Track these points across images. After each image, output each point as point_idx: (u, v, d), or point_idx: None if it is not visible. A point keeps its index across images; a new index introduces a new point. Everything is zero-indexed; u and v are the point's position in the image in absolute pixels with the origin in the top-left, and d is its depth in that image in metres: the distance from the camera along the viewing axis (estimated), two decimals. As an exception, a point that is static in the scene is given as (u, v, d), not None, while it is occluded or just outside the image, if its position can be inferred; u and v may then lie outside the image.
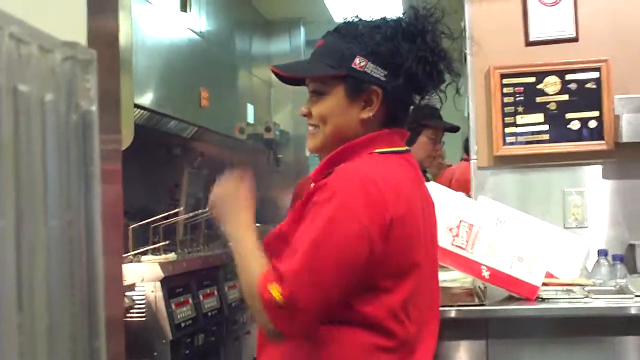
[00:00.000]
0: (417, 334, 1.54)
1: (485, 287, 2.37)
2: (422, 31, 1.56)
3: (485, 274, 2.30)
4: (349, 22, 1.61)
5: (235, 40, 5.43)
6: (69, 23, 1.06)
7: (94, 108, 1.12)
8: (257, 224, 1.57)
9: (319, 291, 1.39)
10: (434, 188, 2.45)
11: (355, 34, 1.56)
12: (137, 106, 3.58)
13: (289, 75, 1.63)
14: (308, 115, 1.60)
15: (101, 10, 1.17)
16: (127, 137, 3.40)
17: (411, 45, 1.54)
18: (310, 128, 1.60)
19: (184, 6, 4.20)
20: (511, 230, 2.34)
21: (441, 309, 2.20)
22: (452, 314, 2.24)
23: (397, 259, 1.47)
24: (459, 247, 2.32)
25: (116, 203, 1.25)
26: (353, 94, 1.55)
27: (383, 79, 1.54)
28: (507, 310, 2.25)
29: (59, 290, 1.05)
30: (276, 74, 1.62)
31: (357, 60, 1.54)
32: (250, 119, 5.62)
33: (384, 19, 1.59)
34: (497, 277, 2.29)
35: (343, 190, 1.44)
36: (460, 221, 2.34)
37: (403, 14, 1.60)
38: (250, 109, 5.65)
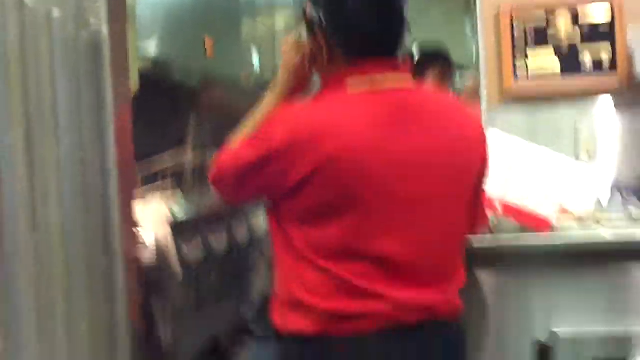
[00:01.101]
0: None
1: (498, 222, 2.35)
2: None
3: (499, 207, 2.28)
4: None
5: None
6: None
7: (104, 28, 1.10)
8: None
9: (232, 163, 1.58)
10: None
11: None
12: (140, 58, 3.56)
13: None
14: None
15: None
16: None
17: None
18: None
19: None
20: (524, 164, 2.32)
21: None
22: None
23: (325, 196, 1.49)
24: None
25: (129, 156, 1.25)
26: (310, 38, 1.61)
27: (324, 23, 1.57)
28: (518, 240, 2.24)
29: (73, 209, 1.04)
30: None
31: (307, 7, 1.60)
32: (256, 66, 5.60)
33: None
34: (510, 210, 2.28)
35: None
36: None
37: None
38: (256, 57, 5.62)
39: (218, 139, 4.99)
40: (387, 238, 1.50)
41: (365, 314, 1.49)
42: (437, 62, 3.35)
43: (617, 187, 2.66)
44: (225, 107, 5.24)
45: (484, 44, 2.90)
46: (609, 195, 2.65)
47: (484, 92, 2.91)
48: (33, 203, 0.90)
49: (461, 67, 3.57)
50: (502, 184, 2.29)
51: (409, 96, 1.59)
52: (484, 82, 2.91)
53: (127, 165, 1.24)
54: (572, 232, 2.25)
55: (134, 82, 3.39)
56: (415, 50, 3.47)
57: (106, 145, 1.10)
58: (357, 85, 1.54)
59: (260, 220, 4.71)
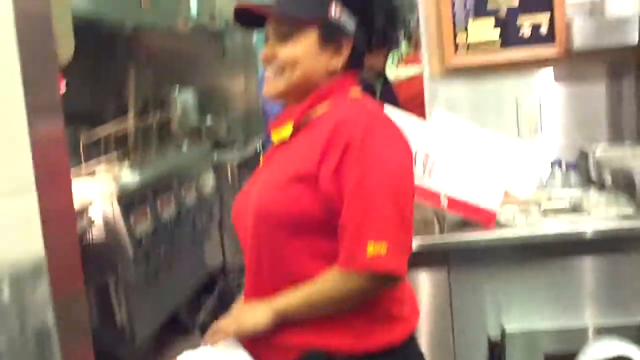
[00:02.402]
0: None
1: (444, 216, 2.39)
2: None
3: (444, 202, 2.31)
4: None
5: None
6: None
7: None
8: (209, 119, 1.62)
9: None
10: (389, 114, 2.41)
11: None
12: (74, 16, 3.41)
13: (260, 13, 1.55)
14: (272, 58, 1.55)
15: None
16: (67, 51, 3.26)
17: (382, 1, 1.58)
18: (270, 73, 1.56)
19: None
20: (467, 155, 2.34)
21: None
22: (413, 245, 2.26)
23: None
24: (416, 176, 2.31)
25: (59, 141, 1.18)
26: (325, 41, 1.54)
27: (353, 30, 1.56)
28: (466, 239, 2.28)
29: None
30: (239, 13, 1.57)
31: (333, 8, 1.53)
32: (194, 10, 5.43)
33: None
34: (456, 204, 2.31)
35: (373, 124, 1.47)
36: (416, 151, 2.32)
37: None
38: (193, 0, 5.45)
39: (159, 92, 4.88)
40: None
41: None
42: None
43: (558, 162, 2.70)
44: (163, 55, 5.11)
45: (423, 17, 2.85)
46: (549, 169, 2.70)
47: (426, 66, 2.89)
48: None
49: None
50: (446, 178, 2.31)
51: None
52: (425, 56, 2.88)
53: (53, 152, 1.17)
54: (517, 228, 2.29)
55: (69, 46, 3.28)
56: None
57: None
58: (354, 93, 1.60)
59: (208, 180, 4.69)
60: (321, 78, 1.55)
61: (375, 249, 1.39)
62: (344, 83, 1.57)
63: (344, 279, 1.43)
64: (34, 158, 0.99)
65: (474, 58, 2.83)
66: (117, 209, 3.44)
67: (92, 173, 3.66)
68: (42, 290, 0.91)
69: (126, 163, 3.86)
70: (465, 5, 2.80)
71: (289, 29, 1.53)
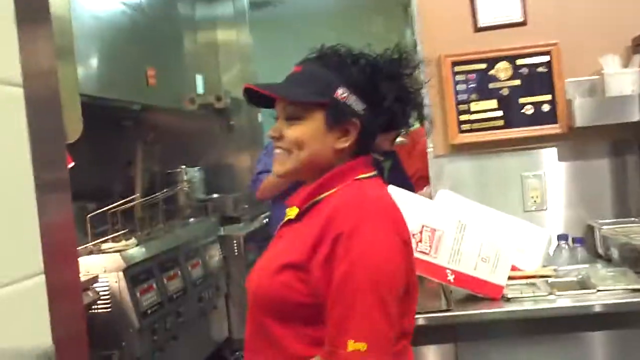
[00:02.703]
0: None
1: (450, 291, 2.40)
2: (403, 74, 1.61)
3: (450, 277, 2.33)
4: (329, 52, 1.61)
5: (177, 7, 5.30)
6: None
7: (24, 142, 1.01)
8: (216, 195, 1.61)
9: (390, 322, 1.46)
10: (394, 193, 2.46)
11: (338, 65, 1.58)
12: (82, 95, 3.50)
13: (267, 95, 1.60)
14: (279, 138, 1.59)
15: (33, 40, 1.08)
16: (75, 129, 3.33)
17: (391, 84, 1.58)
18: (278, 151, 1.60)
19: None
20: (473, 230, 2.36)
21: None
22: (421, 321, 2.27)
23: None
24: (422, 252, 2.33)
25: (67, 219, 1.18)
26: (332, 123, 1.56)
27: (362, 112, 1.57)
28: (474, 315, 2.28)
29: None
30: (248, 94, 1.62)
31: (339, 91, 1.56)
32: (200, 89, 5.56)
33: (362, 53, 1.61)
34: (462, 280, 2.33)
35: (365, 216, 1.49)
36: (423, 226, 2.35)
37: (383, 52, 1.62)
38: (199, 79, 5.58)
39: (166, 168, 4.94)
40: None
41: None
42: None
43: (565, 237, 2.72)
44: (170, 133, 5.20)
45: (427, 97, 2.92)
46: (556, 244, 2.72)
47: (430, 145, 2.94)
48: None
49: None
50: (452, 254, 2.33)
51: (381, 181, 1.67)
52: (430, 135, 2.93)
53: (61, 230, 1.17)
54: (524, 302, 2.30)
55: (78, 124, 3.35)
56: None
57: None
58: (363, 174, 1.61)
59: (214, 253, 4.71)
60: (329, 159, 1.58)
61: (355, 347, 1.41)
62: (353, 167, 1.59)
63: None
64: (42, 239, 1.00)
65: (478, 136, 2.89)
66: (123, 282, 3.46)
67: (99, 248, 3.69)
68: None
69: (132, 238, 3.89)
70: (467, 86, 2.88)
71: (296, 110, 1.57)
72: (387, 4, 5.91)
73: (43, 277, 0.99)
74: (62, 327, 1.00)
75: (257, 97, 1.63)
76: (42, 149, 1.05)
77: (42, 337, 0.95)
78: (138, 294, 3.54)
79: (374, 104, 1.58)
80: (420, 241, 2.34)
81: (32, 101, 1.03)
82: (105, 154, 4.48)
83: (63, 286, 1.06)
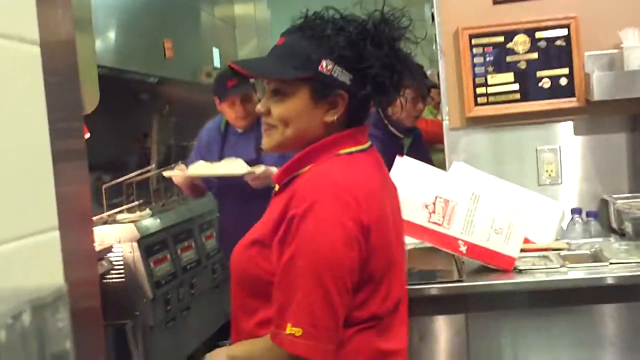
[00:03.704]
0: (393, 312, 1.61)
1: (463, 262, 2.41)
2: (390, 38, 1.54)
3: (463, 248, 2.33)
4: (312, 21, 1.56)
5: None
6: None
7: (41, 108, 1.05)
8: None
9: (330, 310, 1.44)
10: (409, 164, 2.46)
11: (321, 36, 1.53)
12: (99, 66, 3.51)
13: (249, 75, 1.59)
14: (266, 114, 1.57)
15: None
16: (92, 100, 3.35)
17: (378, 51, 1.52)
18: (265, 126, 1.58)
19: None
20: (487, 202, 2.36)
21: (421, 286, 2.28)
22: (433, 291, 2.29)
23: (374, 262, 1.52)
24: (435, 223, 2.34)
25: (83, 186, 1.20)
26: (318, 97, 1.53)
27: (349, 83, 1.53)
28: (485, 285, 2.29)
29: None
30: (232, 69, 1.59)
31: (323, 64, 1.51)
32: (217, 62, 5.55)
33: (347, 20, 1.55)
34: (475, 251, 2.33)
35: (319, 200, 1.46)
36: (436, 197, 2.35)
37: (369, 16, 1.56)
38: (215, 52, 5.57)
39: (181, 141, 4.94)
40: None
41: None
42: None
43: (578, 211, 2.72)
44: (186, 105, 5.22)
45: (444, 70, 2.91)
46: (570, 218, 2.72)
47: (445, 117, 2.93)
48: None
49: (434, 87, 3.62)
50: (465, 225, 2.33)
51: (375, 152, 1.64)
52: (445, 107, 2.93)
53: (77, 198, 1.20)
54: (535, 273, 2.30)
55: (95, 96, 3.37)
56: None
57: None
58: (348, 148, 1.57)
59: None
60: (318, 132, 1.55)
61: (293, 332, 1.42)
62: (334, 141, 1.56)
63: (272, 347, 1.47)
64: (58, 199, 1.02)
65: (494, 109, 2.88)
66: (137, 253, 3.49)
67: (114, 219, 3.72)
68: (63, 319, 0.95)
69: (147, 209, 3.92)
70: (484, 59, 2.86)
71: (280, 86, 1.54)
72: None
73: (57, 232, 1.03)
74: (73, 270, 1.04)
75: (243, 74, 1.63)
76: (60, 116, 1.06)
77: (57, 278, 0.98)
78: (152, 265, 3.57)
79: (360, 74, 1.53)
80: (434, 212, 2.34)
81: (49, 62, 1.04)
82: (121, 126, 4.50)
83: (76, 242, 1.09)
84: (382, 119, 3.28)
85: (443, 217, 2.34)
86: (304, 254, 1.44)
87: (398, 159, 2.40)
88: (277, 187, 1.62)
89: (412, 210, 2.30)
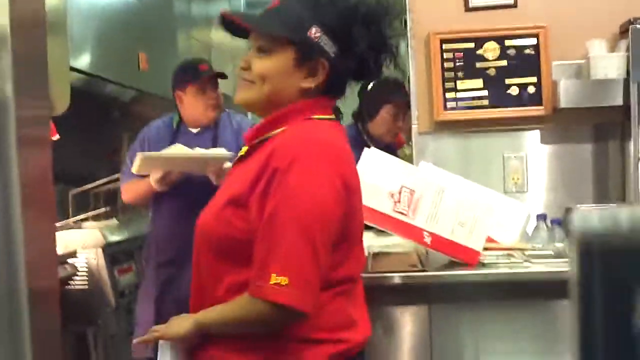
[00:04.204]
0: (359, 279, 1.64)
1: (427, 253, 2.39)
2: (380, 21, 1.58)
3: (427, 239, 2.31)
4: None
5: (174, 2, 5.32)
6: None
7: (8, 91, 1.06)
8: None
9: (315, 263, 1.43)
10: (375, 154, 2.45)
11: (315, 3, 1.56)
12: (72, 69, 3.48)
13: (240, 24, 1.59)
14: (246, 68, 1.57)
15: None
16: (62, 102, 3.30)
17: (367, 30, 1.55)
18: (242, 82, 1.58)
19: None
20: (452, 196, 2.36)
21: (384, 274, 2.25)
22: (395, 280, 2.26)
23: (352, 223, 1.54)
24: (400, 212, 2.32)
25: (45, 172, 1.20)
26: (301, 61, 1.55)
27: (332, 54, 1.55)
28: (448, 276, 2.27)
29: None
30: (224, 21, 1.59)
31: (313, 30, 1.53)
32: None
33: None
34: (439, 242, 2.31)
35: (304, 154, 1.47)
36: (402, 187, 2.33)
37: None
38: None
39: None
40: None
41: None
42: (393, 94, 3.30)
43: (543, 217, 2.72)
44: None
45: (414, 74, 2.94)
46: (534, 224, 2.72)
47: (415, 121, 2.95)
48: None
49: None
50: (430, 217, 2.32)
51: (340, 126, 1.65)
52: (414, 111, 2.94)
53: (45, 210, 1.20)
54: (499, 266, 2.29)
55: (65, 98, 3.33)
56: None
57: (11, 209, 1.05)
58: (319, 115, 1.58)
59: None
60: (292, 96, 1.56)
61: (277, 281, 1.41)
62: (308, 106, 1.57)
63: (251, 304, 1.45)
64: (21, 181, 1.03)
65: (462, 114, 2.90)
66: (101, 260, 3.41)
67: (79, 225, 3.65)
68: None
69: (114, 219, 3.87)
70: (454, 64, 2.89)
71: (267, 44, 1.56)
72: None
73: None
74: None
75: (233, 27, 1.62)
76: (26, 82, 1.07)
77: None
78: (116, 274, 3.50)
79: (345, 48, 1.55)
80: (399, 201, 2.33)
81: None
82: (92, 140, 4.45)
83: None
84: (361, 133, 3.31)
85: (408, 207, 2.33)
86: (290, 206, 1.43)
87: (366, 149, 2.39)
88: (244, 150, 1.61)
89: (377, 198, 2.29)
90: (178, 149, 2.99)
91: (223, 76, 3.18)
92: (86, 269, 3.36)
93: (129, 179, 3.15)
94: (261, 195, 1.45)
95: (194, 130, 3.17)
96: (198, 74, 3.11)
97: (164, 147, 3.03)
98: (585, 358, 0.54)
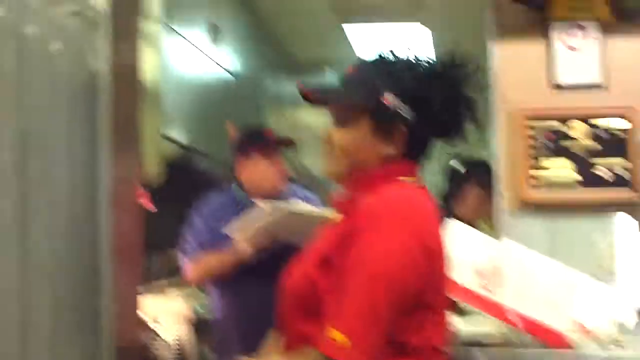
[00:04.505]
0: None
1: (516, 336, 2.30)
2: (455, 80, 1.58)
3: (514, 319, 2.25)
4: (382, 57, 1.61)
5: (265, 81, 5.46)
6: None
7: (104, 69, 1.11)
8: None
9: (377, 326, 1.40)
10: (460, 228, 2.41)
11: (388, 70, 1.57)
12: (167, 138, 3.57)
13: (313, 99, 1.62)
14: (329, 140, 1.59)
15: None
16: (154, 171, 3.40)
17: (442, 91, 1.56)
18: (326, 153, 1.60)
19: (214, 39, 4.24)
20: (540, 275, 2.30)
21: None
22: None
23: (432, 290, 1.50)
24: (487, 290, 2.28)
25: (134, 232, 1.25)
26: (378, 128, 1.56)
27: (410, 119, 1.55)
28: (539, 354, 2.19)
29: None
30: (301, 93, 1.62)
31: (387, 96, 1.54)
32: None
33: (417, 59, 1.60)
34: (526, 322, 2.23)
35: (384, 214, 1.46)
36: (488, 263, 2.29)
37: (438, 57, 1.62)
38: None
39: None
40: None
41: None
42: (479, 174, 3.23)
43: None
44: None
45: (499, 151, 2.91)
46: (636, 319, 2.57)
47: (500, 200, 2.90)
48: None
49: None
50: (517, 296, 2.26)
51: (427, 191, 1.63)
52: (499, 188, 2.90)
53: (128, 238, 1.23)
54: (593, 352, 2.18)
55: (158, 170, 3.41)
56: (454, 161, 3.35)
57: (98, 198, 1.09)
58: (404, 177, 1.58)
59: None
60: (374, 164, 1.57)
61: (340, 340, 1.38)
62: (392, 170, 1.58)
63: (320, 358, 1.42)
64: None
65: (550, 195, 2.84)
66: (190, 332, 3.38)
67: (167, 295, 3.66)
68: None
69: (202, 290, 3.84)
70: (540, 142, 2.86)
71: (343, 115, 1.58)
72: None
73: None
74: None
75: (315, 100, 1.65)
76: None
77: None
78: (204, 347, 3.45)
79: (423, 111, 1.55)
80: (485, 278, 2.29)
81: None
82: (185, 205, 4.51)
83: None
84: (445, 212, 3.24)
85: (495, 284, 2.28)
86: (361, 262, 1.42)
87: (450, 221, 2.37)
88: (335, 215, 1.63)
89: (463, 273, 2.25)
90: (301, 205, 2.77)
91: (290, 143, 3.04)
92: (174, 341, 3.27)
93: (193, 255, 2.92)
94: (343, 255, 1.45)
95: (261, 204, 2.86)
96: (264, 138, 2.97)
97: (229, 224, 2.79)
98: None
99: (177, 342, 3.27)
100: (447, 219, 2.38)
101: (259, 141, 2.94)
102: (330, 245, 1.51)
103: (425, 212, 1.53)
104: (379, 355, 1.42)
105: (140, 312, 3.13)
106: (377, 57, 1.62)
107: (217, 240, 2.82)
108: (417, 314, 1.48)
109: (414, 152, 1.60)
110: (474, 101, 1.61)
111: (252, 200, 2.92)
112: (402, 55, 1.61)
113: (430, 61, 1.60)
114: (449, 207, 3.29)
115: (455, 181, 3.30)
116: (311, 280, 1.51)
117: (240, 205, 2.89)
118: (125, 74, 1.20)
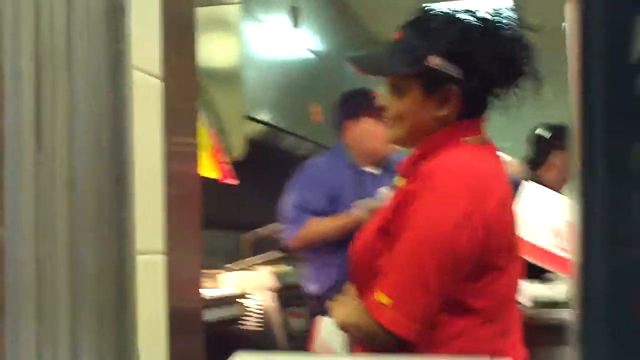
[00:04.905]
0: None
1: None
2: (501, 28, 1.53)
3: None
4: (425, 15, 1.58)
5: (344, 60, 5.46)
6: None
7: (156, 130, 1.18)
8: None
9: (420, 287, 1.41)
10: (534, 188, 2.42)
11: (431, 29, 1.53)
12: (252, 119, 3.63)
13: (359, 70, 1.64)
14: (385, 108, 1.60)
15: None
16: (238, 148, 3.53)
17: (488, 43, 1.51)
18: (386, 120, 1.62)
19: (295, 23, 4.30)
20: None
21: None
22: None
23: (493, 250, 1.47)
24: (563, 249, 2.30)
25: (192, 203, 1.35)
26: (429, 92, 1.53)
27: (459, 77, 1.51)
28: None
29: (84, 137, 1.03)
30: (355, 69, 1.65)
31: (431, 59, 1.51)
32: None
33: (459, 12, 1.56)
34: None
35: (439, 177, 1.45)
36: (565, 223, 2.30)
37: (490, 10, 1.56)
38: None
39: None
40: None
41: None
42: (565, 139, 3.07)
43: None
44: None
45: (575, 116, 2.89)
46: None
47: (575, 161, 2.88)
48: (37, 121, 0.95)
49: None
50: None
51: (493, 148, 1.62)
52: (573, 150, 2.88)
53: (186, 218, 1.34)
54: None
55: (241, 145, 3.54)
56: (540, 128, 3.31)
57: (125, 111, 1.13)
58: (468, 136, 1.56)
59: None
60: (432, 127, 1.54)
61: (385, 302, 1.40)
62: (454, 132, 1.54)
63: (368, 316, 1.44)
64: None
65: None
66: (274, 302, 3.47)
67: (252, 268, 3.72)
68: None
69: (287, 264, 3.90)
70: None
71: (394, 82, 1.56)
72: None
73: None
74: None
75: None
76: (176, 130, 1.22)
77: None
78: (288, 317, 3.52)
79: (471, 68, 1.50)
80: (562, 238, 2.30)
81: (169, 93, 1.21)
82: (268, 193, 4.58)
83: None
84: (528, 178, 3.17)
85: (571, 243, 2.30)
86: (414, 232, 1.43)
87: (525, 183, 2.39)
88: (399, 180, 1.61)
89: (538, 234, 2.27)
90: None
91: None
92: (259, 310, 3.40)
93: (304, 219, 2.88)
94: (399, 221, 1.46)
95: (375, 172, 2.89)
96: (373, 101, 2.76)
97: (349, 191, 2.82)
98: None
99: (262, 310, 3.38)
100: (525, 182, 2.39)
101: (367, 103, 2.82)
102: (389, 210, 1.52)
103: (488, 174, 1.51)
104: (428, 317, 1.43)
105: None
106: (418, 17, 1.57)
107: (326, 200, 2.85)
108: (485, 277, 1.47)
109: (473, 110, 1.56)
110: (526, 44, 1.54)
111: (360, 165, 2.93)
112: (441, 10, 1.56)
113: (473, 11, 1.55)
114: (534, 174, 3.27)
115: (540, 148, 3.26)
116: (371, 246, 1.53)
117: (357, 175, 2.91)
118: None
